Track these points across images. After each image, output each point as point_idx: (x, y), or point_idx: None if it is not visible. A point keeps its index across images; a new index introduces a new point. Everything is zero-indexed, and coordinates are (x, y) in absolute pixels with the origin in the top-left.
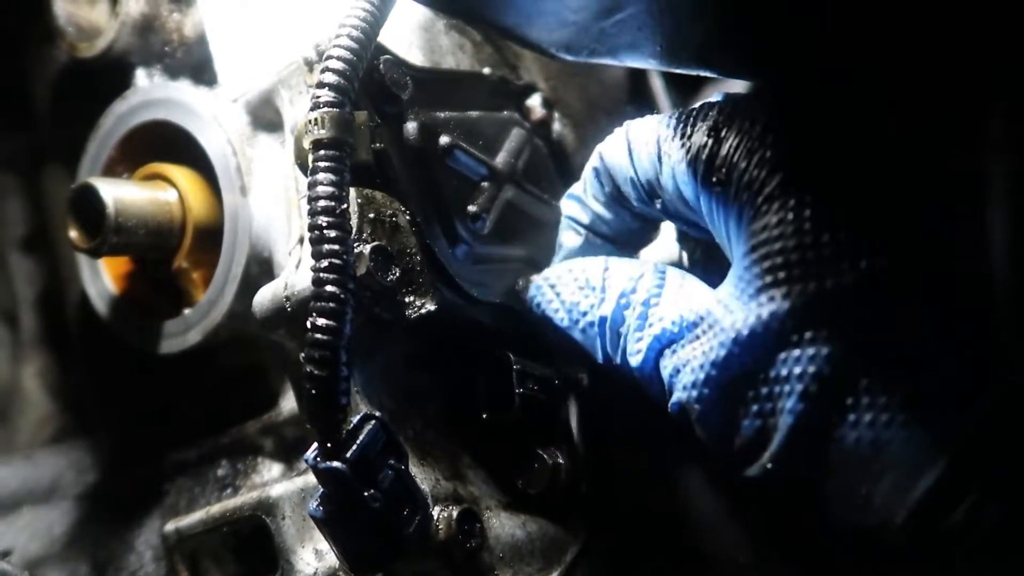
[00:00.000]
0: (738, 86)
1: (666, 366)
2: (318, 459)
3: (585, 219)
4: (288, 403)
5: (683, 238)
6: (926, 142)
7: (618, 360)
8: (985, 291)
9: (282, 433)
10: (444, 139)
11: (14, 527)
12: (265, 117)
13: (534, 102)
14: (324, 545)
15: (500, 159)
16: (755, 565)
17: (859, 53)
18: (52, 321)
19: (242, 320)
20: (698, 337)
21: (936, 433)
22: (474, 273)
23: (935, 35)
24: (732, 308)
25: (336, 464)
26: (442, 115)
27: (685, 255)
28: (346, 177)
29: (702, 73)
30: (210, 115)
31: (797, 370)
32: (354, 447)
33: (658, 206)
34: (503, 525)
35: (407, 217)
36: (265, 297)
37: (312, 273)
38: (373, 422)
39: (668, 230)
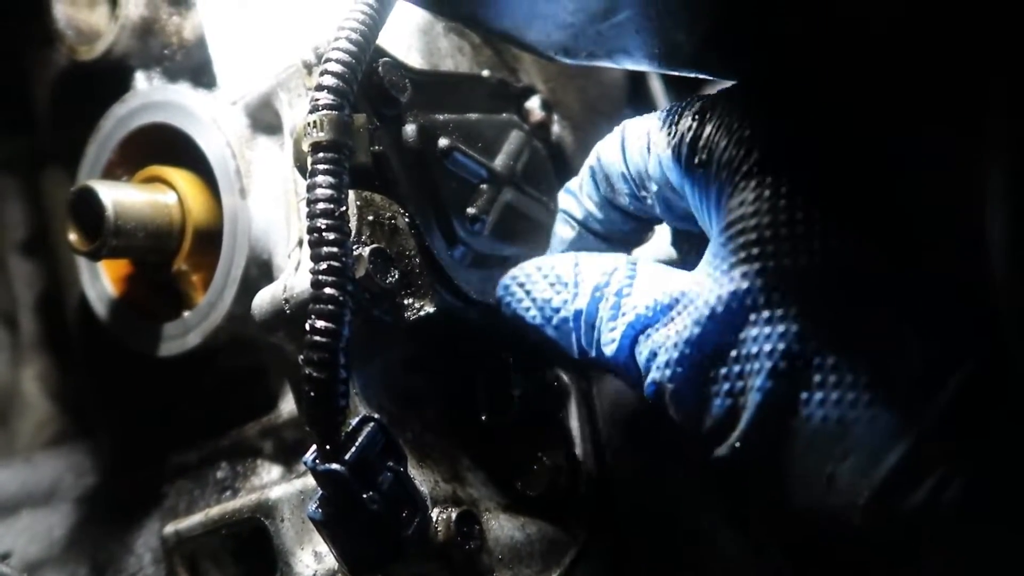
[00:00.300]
0: None
1: (641, 351)
2: (317, 461)
3: (579, 215)
4: (287, 405)
5: (676, 240)
6: (900, 123)
7: (593, 353)
8: (956, 273)
9: (281, 435)
10: (443, 141)
11: (13, 530)
12: (264, 120)
13: (533, 104)
14: (323, 547)
15: (499, 161)
16: (754, 566)
17: (848, 44)
18: (52, 324)
19: (241, 322)
20: (672, 319)
21: (901, 413)
22: (473, 275)
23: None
24: (705, 284)
25: (335, 466)
26: (441, 117)
27: (678, 257)
28: (345, 179)
29: (699, 75)
30: (209, 118)
31: (767, 347)
32: (353, 449)
33: (648, 200)
34: (502, 527)
35: (406, 219)
36: (264, 299)
37: (311, 275)
38: (372, 424)
39: (662, 232)
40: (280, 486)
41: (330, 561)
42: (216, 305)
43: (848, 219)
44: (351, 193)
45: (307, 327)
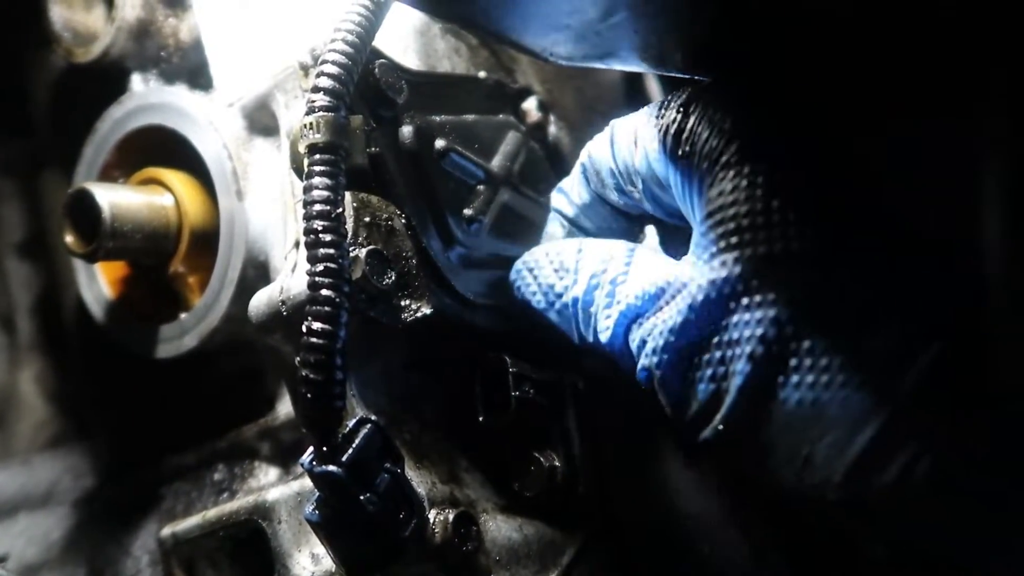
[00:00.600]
0: None
1: (634, 339)
2: (314, 463)
3: (570, 213)
4: (285, 407)
5: (663, 242)
6: (877, 111)
7: (591, 339)
8: (927, 254)
9: (279, 437)
10: (440, 143)
11: (11, 532)
12: (261, 121)
13: (530, 105)
14: (320, 549)
15: (496, 162)
16: (753, 566)
17: (840, 44)
18: (49, 326)
19: (238, 324)
20: (661, 308)
21: (873, 393)
22: (470, 276)
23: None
24: (689, 274)
25: (332, 468)
26: (438, 119)
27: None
28: (342, 181)
29: (696, 76)
30: (206, 119)
31: (747, 333)
32: (350, 451)
33: (636, 195)
34: (500, 528)
35: (403, 221)
36: (261, 301)
37: (307, 277)
38: (369, 426)
39: (653, 233)
40: (277, 488)
41: (327, 563)
42: (213, 307)
43: (822, 208)
44: (348, 194)
45: (304, 329)
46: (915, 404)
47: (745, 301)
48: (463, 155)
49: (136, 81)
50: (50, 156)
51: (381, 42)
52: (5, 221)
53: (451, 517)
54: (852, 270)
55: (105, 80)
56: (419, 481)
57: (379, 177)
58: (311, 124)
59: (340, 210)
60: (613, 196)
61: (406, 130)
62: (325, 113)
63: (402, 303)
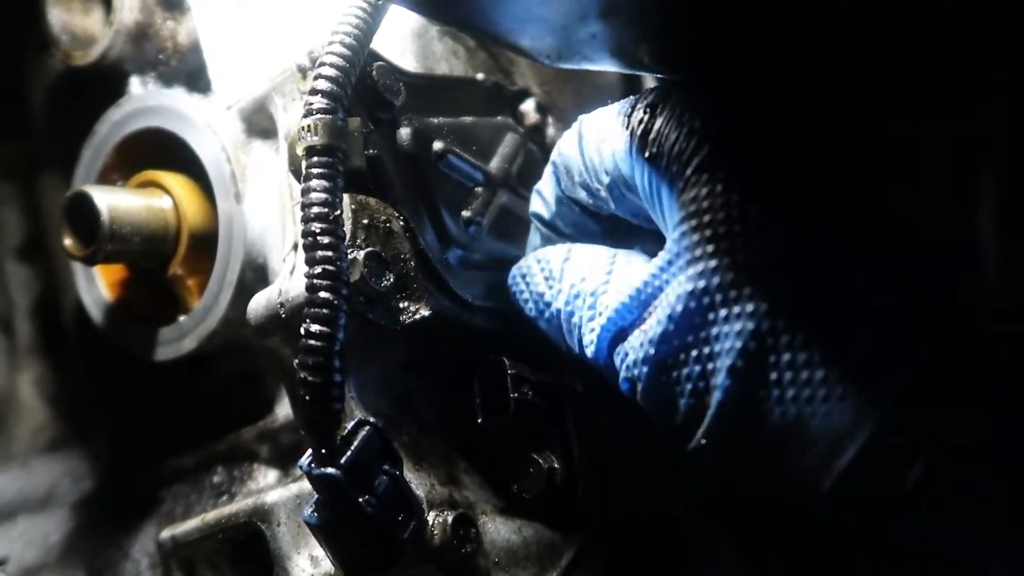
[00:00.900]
0: None
1: (619, 352)
2: (313, 465)
3: (547, 215)
4: (283, 409)
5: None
6: (852, 112)
7: (577, 351)
8: (907, 258)
9: (278, 439)
10: (438, 145)
11: (10, 535)
12: (259, 124)
13: (528, 107)
14: (320, 551)
15: (494, 164)
16: (752, 567)
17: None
18: (48, 329)
19: (237, 327)
20: (643, 319)
21: (857, 404)
22: (468, 278)
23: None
24: (666, 283)
25: (330, 470)
26: (436, 121)
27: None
28: (339, 183)
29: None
30: (204, 122)
31: (727, 345)
32: (348, 453)
33: (603, 193)
34: (498, 530)
35: (401, 223)
36: (259, 303)
37: (306, 279)
38: (368, 428)
39: None
40: (276, 490)
41: (326, 565)
42: (212, 309)
43: (798, 214)
44: (346, 197)
45: (302, 331)
46: (902, 411)
47: (724, 312)
48: (461, 157)
49: (134, 84)
50: (48, 159)
51: (379, 44)
52: (4, 224)
53: (450, 519)
54: (831, 276)
55: (103, 83)
56: (418, 483)
57: (377, 179)
58: (309, 126)
59: (338, 212)
60: (583, 195)
61: (404, 132)
62: (323, 115)
63: (400, 305)
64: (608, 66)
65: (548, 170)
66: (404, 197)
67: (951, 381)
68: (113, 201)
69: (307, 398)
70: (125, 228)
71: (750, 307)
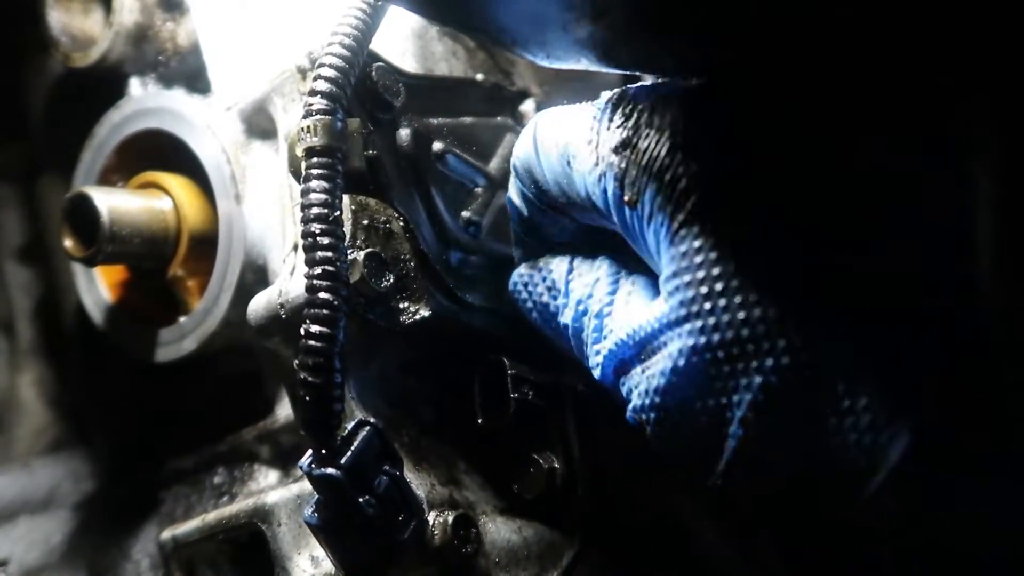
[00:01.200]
0: None
1: (623, 383)
2: (313, 466)
3: (519, 229)
4: (284, 410)
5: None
6: (848, 150)
7: (586, 365)
8: (909, 306)
9: (278, 440)
10: (437, 145)
11: (11, 537)
12: (259, 125)
13: (528, 107)
14: (320, 552)
15: (494, 165)
16: (752, 568)
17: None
18: (48, 330)
19: (237, 328)
20: (643, 360)
21: (870, 454)
22: (469, 279)
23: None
24: (665, 336)
25: (331, 471)
26: (435, 121)
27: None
28: (339, 184)
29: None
30: (204, 123)
31: (735, 398)
32: (349, 453)
33: (571, 209)
34: (499, 530)
35: (401, 223)
36: (260, 304)
37: (306, 280)
38: (368, 428)
39: None
40: (277, 491)
41: (327, 566)
42: (212, 310)
43: (796, 269)
44: (346, 197)
45: (302, 331)
46: (913, 461)
47: (726, 369)
48: (461, 157)
49: (134, 85)
50: (48, 160)
51: (378, 45)
52: (4, 226)
53: (450, 519)
54: (833, 333)
55: (103, 84)
56: (418, 483)
57: (377, 180)
58: (308, 127)
59: (338, 213)
60: (551, 200)
61: (404, 133)
62: (322, 116)
63: (400, 306)
64: (604, 67)
65: (511, 176)
66: (404, 198)
67: (964, 425)
68: (113, 202)
69: (307, 399)
70: (125, 229)
71: (755, 364)
